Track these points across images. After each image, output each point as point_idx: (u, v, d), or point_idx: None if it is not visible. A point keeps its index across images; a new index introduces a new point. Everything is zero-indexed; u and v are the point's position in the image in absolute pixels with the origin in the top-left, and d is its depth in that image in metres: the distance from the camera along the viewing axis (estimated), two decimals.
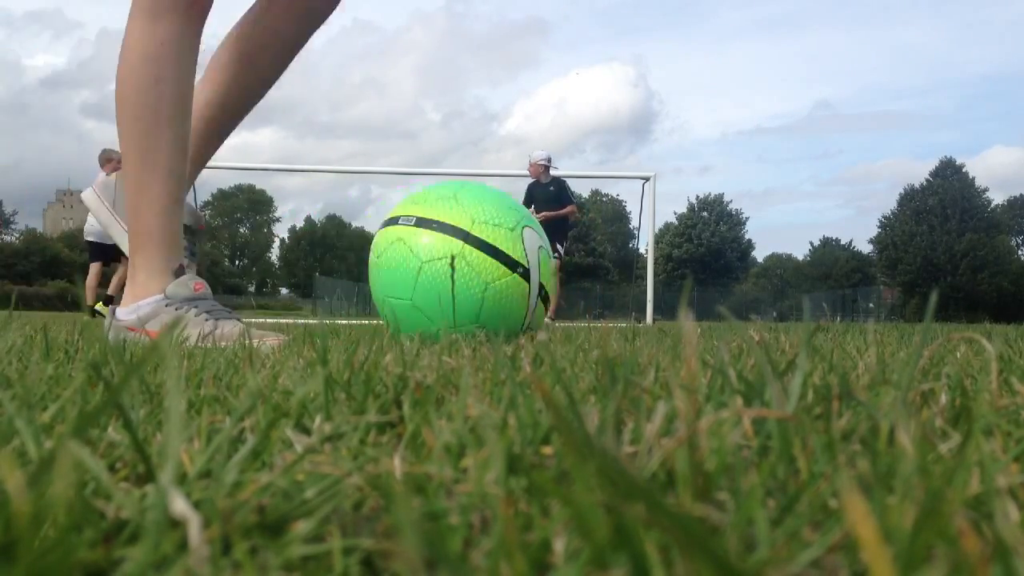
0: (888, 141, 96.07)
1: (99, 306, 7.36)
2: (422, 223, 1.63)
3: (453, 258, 1.65)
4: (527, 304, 1.60)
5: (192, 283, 1.67)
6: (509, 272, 1.57)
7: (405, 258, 1.62)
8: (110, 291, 7.97)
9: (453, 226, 1.60)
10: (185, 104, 1.74)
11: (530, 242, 1.64)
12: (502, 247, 1.58)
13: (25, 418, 0.38)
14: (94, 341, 0.78)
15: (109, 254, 7.86)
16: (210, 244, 58.11)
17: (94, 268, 8.06)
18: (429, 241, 1.60)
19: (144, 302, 1.68)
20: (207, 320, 1.63)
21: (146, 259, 1.70)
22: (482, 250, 1.57)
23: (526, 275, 1.60)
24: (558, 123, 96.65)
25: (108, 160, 8.00)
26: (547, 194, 7.88)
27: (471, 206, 1.63)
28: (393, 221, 1.70)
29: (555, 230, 7.34)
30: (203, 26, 1.76)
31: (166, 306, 1.65)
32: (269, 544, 0.28)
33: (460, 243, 1.58)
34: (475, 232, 1.59)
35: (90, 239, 8.14)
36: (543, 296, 1.65)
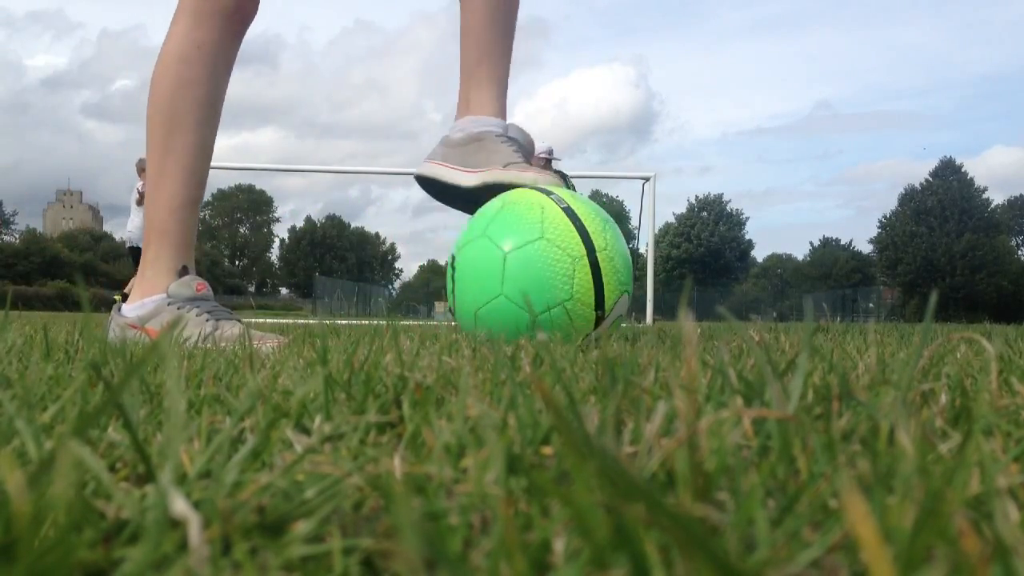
0: (888, 141, 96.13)
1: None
2: (569, 212, 1.63)
3: (454, 258, 1.65)
4: (580, 340, 1.60)
5: (194, 283, 1.69)
6: (592, 308, 1.58)
7: (532, 219, 1.60)
8: (125, 290, 8.12)
9: (590, 236, 1.60)
10: (214, 109, 1.76)
11: (620, 305, 1.66)
12: (605, 285, 1.60)
13: (25, 418, 0.38)
14: (94, 341, 0.79)
15: None
16: (210, 244, 58.11)
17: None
18: (561, 227, 1.59)
19: (148, 300, 1.69)
20: (208, 321, 1.63)
21: (156, 257, 1.72)
22: (591, 274, 1.58)
23: (599, 321, 1.60)
24: (559, 123, 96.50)
25: (143, 169, 8.15)
26: None
27: (611, 240, 1.64)
28: (547, 192, 1.67)
29: None
30: (244, 35, 1.78)
31: (168, 305, 1.66)
32: (269, 544, 0.28)
33: (583, 252, 1.58)
34: (599, 257, 1.60)
35: (131, 246, 8.33)
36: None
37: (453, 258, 1.66)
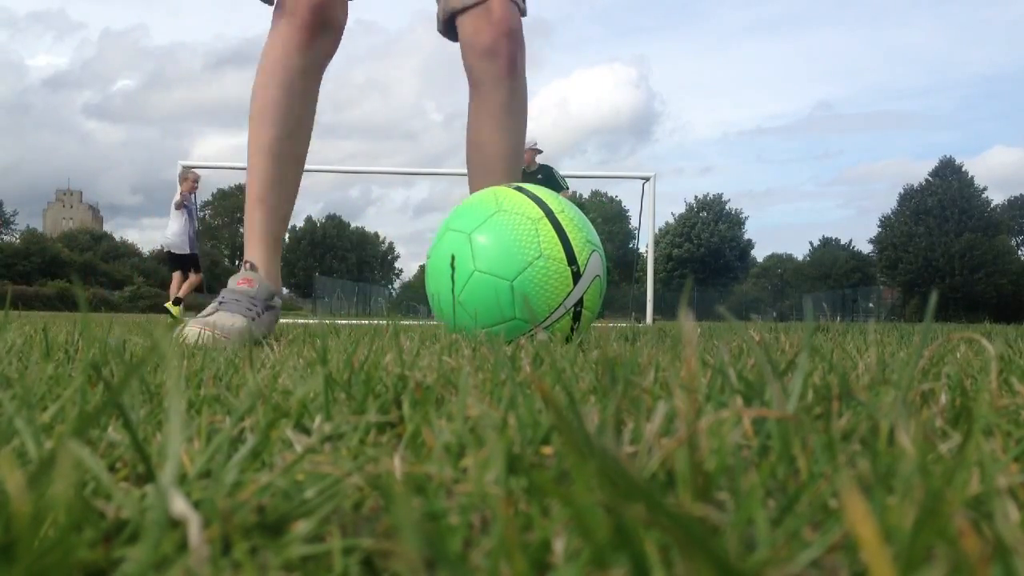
0: (889, 141, 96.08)
1: (169, 305, 7.85)
2: (520, 189, 1.71)
3: (453, 258, 1.65)
4: (562, 300, 1.62)
5: (238, 279, 1.72)
6: (565, 263, 1.61)
7: (486, 201, 1.67)
8: (181, 293, 8.27)
9: (544, 202, 1.66)
10: (282, 110, 1.81)
11: (594, 263, 1.69)
12: (573, 242, 1.64)
13: (25, 418, 0.38)
14: (94, 341, 0.79)
15: (187, 264, 8.28)
16: (210, 244, 58.12)
17: (176, 277, 8.50)
18: (517, 198, 1.67)
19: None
20: (208, 316, 1.63)
21: (247, 249, 1.82)
22: (555, 230, 1.63)
23: (576, 277, 1.62)
24: (560, 123, 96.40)
25: (184, 179, 8.42)
26: (535, 183, 7.25)
27: (566, 206, 1.71)
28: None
29: None
30: (322, 65, 1.86)
31: (219, 304, 1.70)
32: (269, 544, 0.28)
33: (541, 213, 1.64)
34: (558, 216, 1.65)
35: (168, 250, 8.51)
36: (577, 311, 1.66)
37: (452, 258, 1.66)
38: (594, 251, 1.68)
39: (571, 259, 1.61)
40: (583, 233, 1.66)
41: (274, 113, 1.78)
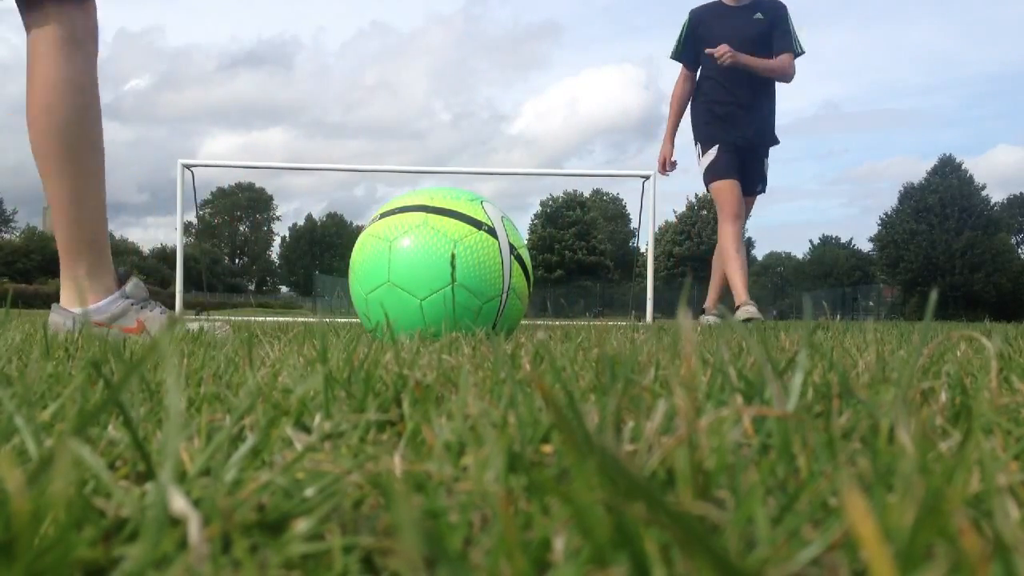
0: (893, 140, 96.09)
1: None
2: (384, 215, 1.74)
3: (454, 256, 1.65)
4: (500, 260, 1.63)
5: (143, 284, 1.82)
6: (475, 230, 1.62)
7: (375, 246, 1.70)
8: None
9: (412, 205, 1.70)
10: (100, 127, 1.84)
11: (491, 210, 1.71)
12: (463, 211, 1.67)
13: (25, 416, 0.38)
14: (94, 339, 0.79)
15: None
16: (211, 242, 58.14)
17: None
18: (392, 223, 1.69)
19: (106, 301, 1.77)
20: (162, 314, 1.77)
21: (92, 263, 1.80)
22: (444, 215, 1.66)
23: (492, 233, 1.64)
24: (569, 123, 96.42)
25: None
26: (748, 28, 3.98)
27: (427, 191, 1.74)
28: (361, 229, 1.79)
29: (761, 106, 3.98)
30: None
31: (131, 305, 1.78)
32: (269, 542, 0.28)
33: (422, 215, 1.66)
34: (434, 204, 1.68)
35: None
36: (518, 257, 1.68)
37: (452, 256, 1.67)
38: (482, 201, 1.71)
39: (476, 223, 1.64)
40: (463, 199, 1.68)
41: (100, 131, 1.80)
